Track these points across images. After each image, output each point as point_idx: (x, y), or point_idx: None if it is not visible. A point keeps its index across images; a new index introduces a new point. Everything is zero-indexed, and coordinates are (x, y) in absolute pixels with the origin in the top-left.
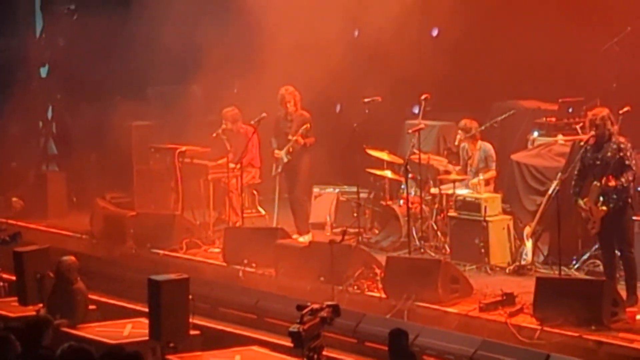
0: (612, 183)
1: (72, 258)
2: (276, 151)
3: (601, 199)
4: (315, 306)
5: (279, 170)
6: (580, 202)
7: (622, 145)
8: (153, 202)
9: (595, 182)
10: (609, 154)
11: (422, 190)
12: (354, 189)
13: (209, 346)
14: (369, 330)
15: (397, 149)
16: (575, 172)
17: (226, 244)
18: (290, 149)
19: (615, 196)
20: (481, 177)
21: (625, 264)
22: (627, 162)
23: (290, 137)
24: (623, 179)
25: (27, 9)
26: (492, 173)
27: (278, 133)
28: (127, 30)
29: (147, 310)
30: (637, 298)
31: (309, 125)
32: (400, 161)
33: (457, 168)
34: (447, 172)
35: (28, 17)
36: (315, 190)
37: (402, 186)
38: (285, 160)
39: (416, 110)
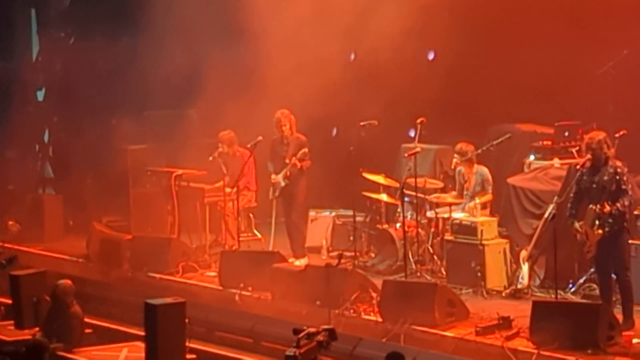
0: (607, 209)
1: (68, 281)
2: (273, 175)
3: (597, 222)
4: (312, 330)
5: (276, 194)
6: (576, 225)
7: (618, 170)
8: (149, 226)
9: (591, 206)
10: (606, 177)
11: (418, 214)
12: (350, 212)
13: None
14: (365, 354)
15: (393, 172)
16: (571, 195)
17: (222, 267)
18: (288, 173)
19: (611, 220)
20: (477, 200)
21: (621, 287)
22: (623, 187)
23: (287, 160)
24: (619, 204)
25: (24, 33)
26: (488, 196)
27: (274, 157)
28: (124, 54)
29: (143, 334)
30: (633, 322)
31: (306, 149)
32: (396, 185)
33: (453, 193)
34: (442, 200)
35: (25, 40)
36: (312, 213)
37: (398, 209)
38: (283, 184)
39: (412, 134)
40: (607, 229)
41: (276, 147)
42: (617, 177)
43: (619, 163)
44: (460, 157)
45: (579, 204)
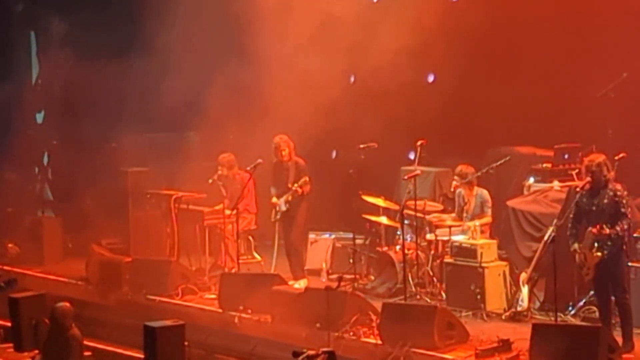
0: (607, 232)
1: (67, 304)
2: (274, 199)
3: (596, 245)
4: (311, 352)
5: (278, 217)
6: (576, 246)
7: (618, 193)
8: (149, 248)
9: (590, 229)
10: (605, 200)
11: (417, 237)
12: (350, 235)
13: None
14: None
15: (393, 195)
16: (571, 216)
17: (222, 290)
18: (289, 198)
19: (609, 243)
20: (477, 222)
21: (620, 310)
22: (622, 210)
23: (289, 185)
24: (618, 227)
25: (23, 56)
26: (487, 219)
27: (276, 181)
28: (123, 77)
29: (142, 356)
30: (633, 344)
31: (307, 178)
32: (396, 207)
33: (453, 215)
34: (442, 221)
35: (25, 63)
36: (311, 236)
37: (398, 232)
38: (284, 208)
39: (412, 156)
40: (605, 252)
41: (277, 171)
42: (617, 201)
43: (618, 186)
44: (460, 179)
45: (579, 224)
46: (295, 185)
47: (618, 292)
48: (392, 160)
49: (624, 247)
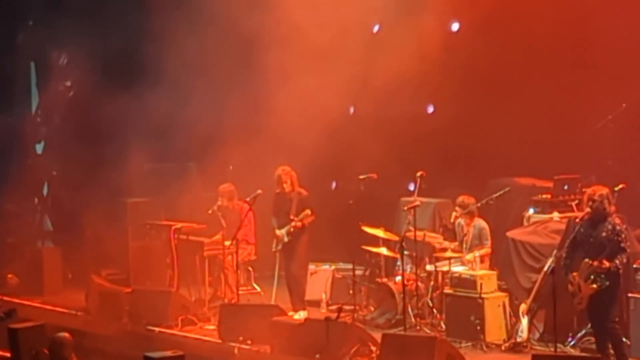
0: (607, 265)
1: (66, 335)
2: (277, 231)
3: (591, 277)
4: None
5: (279, 247)
6: (570, 276)
7: (617, 227)
8: (149, 279)
9: (586, 260)
10: (604, 234)
11: (417, 267)
12: (350, 265)
13: None
14: None
15: (393, 225)
16: (567, 246)
17: (222, 320)
18: (291, 229)
19: (603, 276)
20: (477, 253)
21: (611, 339)
22: (622, 245)
23: (291, 216)
24: (617, 261)
25: (23, 86)
26: (486, 250)
27: (278, 212)
28: (123, 108)
29: None
30: None
31: (309, 211)
32: (396, 238)
33: (455, 244)
34: (444, 249)
35: (24, 93)
36: (311, 267)
37: (398, 263)
38: (286, 240)
39: (412, 187)
40: (601, 285)
41: (279, 202)
42: (616, 235)
43: (618, 220)
44: (462, 210)
45: (574, 255)
46: (297, 219)
47: (607, 322)
48: (391, 191)
49: (620, 280)
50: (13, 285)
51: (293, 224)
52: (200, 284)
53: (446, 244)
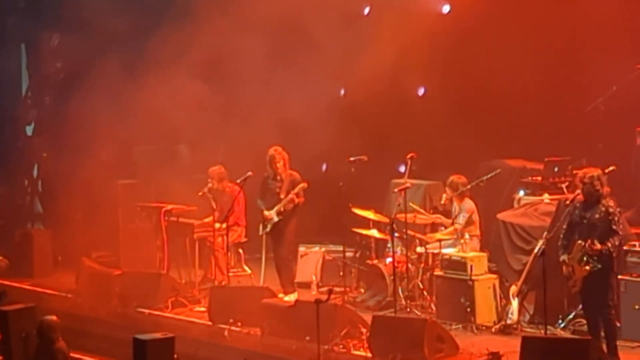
0: (598, 247)
1: (54, 317)
2: (266, 212)
3: (585, 259)
4: None
5: (267, 230)
6: (565, 257)
7: (610, 210)
8: (139, 261)
9: (579, 242)
10: (597, 216)
11: (408, 249)
12: (340, 248)
13: None
14: None
15: (383, 207)
16: (564, 227)
17: (212, 303)
18: (282, 209)
19: (596, 258)
20: (467, 236)
21: (605, 325)
22: (614, 227)
23: (281, 196)
24: (609, 244)
25: (14, 69)
26: (452, 228)
27: (265, 193)
28: (114, 89)
29: None
30: (618, 358)
31: (305, 184)
32: (386, 220)
33: (448, 229)
34: (439, 225)
35: (15, 76)
36: (301, 249)
37: (388, 245)
38: (276, 219)
39: (402, 169)
40: (594, 266)
41: (268, 183)
42: (609, 217)
43: (611, 202)
44: (452, 192)
45: (571, 236)
46: (292, 193)
47: (603, 308)
48: (382, 173)
49: (613, 263)
50: (3, 268)
51: (290, 196)
52: (190, 266)
53: (445, 220)
